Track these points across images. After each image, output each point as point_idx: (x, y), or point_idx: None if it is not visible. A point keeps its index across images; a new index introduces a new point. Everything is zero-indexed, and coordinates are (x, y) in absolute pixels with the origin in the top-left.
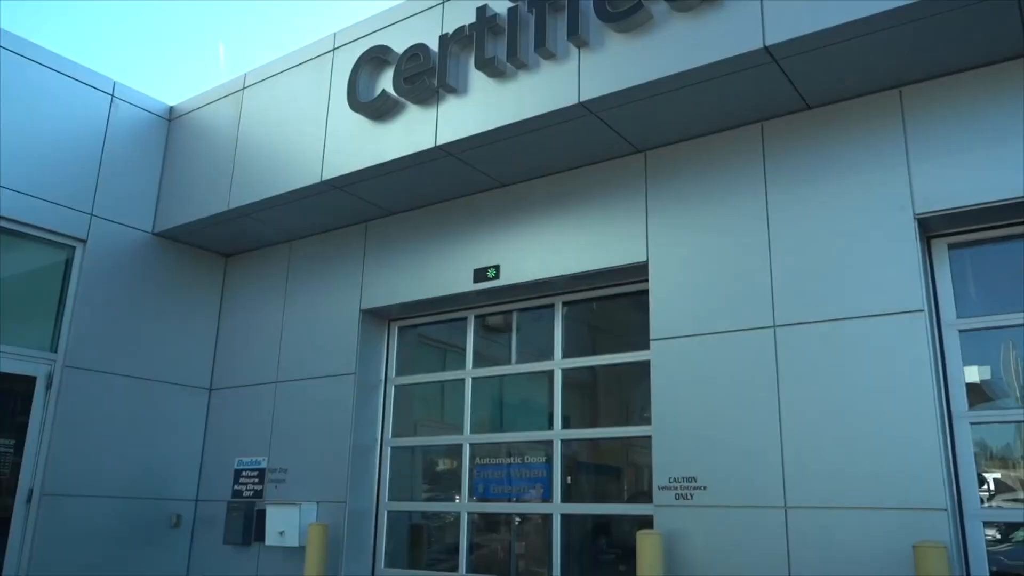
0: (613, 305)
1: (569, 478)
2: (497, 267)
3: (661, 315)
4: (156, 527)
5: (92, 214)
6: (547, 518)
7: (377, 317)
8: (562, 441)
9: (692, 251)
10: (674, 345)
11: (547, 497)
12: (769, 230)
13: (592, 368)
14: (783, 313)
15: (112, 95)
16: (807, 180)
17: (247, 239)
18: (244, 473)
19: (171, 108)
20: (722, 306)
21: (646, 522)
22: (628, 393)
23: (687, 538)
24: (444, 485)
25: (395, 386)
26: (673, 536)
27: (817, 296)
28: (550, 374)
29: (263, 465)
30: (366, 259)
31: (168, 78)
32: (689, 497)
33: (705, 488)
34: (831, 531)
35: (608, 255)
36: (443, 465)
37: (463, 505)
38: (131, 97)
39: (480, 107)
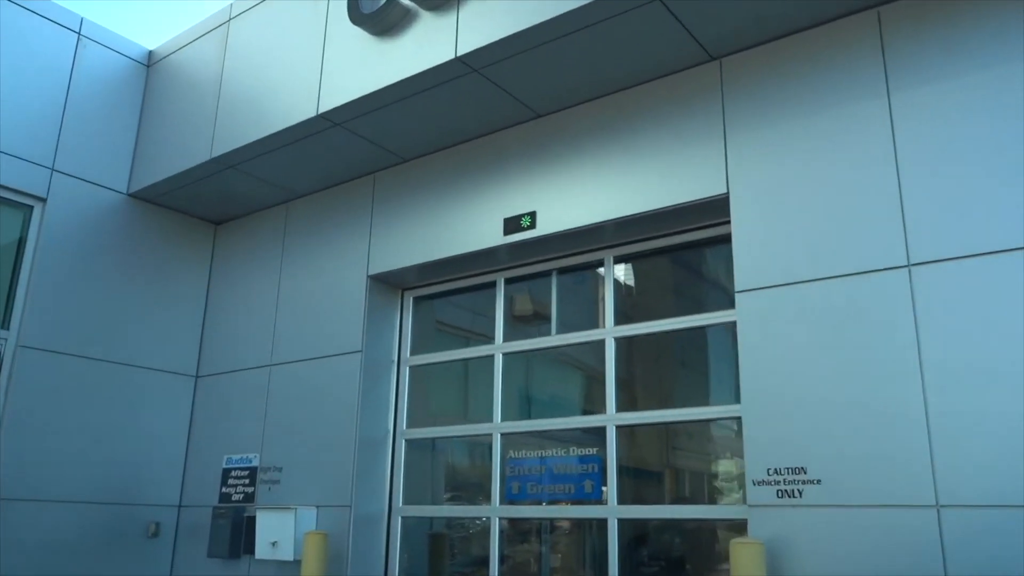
0: (680, 258)
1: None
2: (533, 214)
3: (749, 260)
4: (130, 538)
5: (53, 169)
6: (586, 525)
7: (388, 286)
8: (618, 428)
9: (788, 177)
10: (767, 297)
11: (597, 497)
12: (895, 142)
13: (651, 339)
14: (921, 247)
15: (79, 33)
16: (945, 76)
17: (238, 202)
18: (233, 473)
19: (150, 52)
20: (833, 243)
21: (709, 529)
22: (700, 368)
23: (795, 549)
24: (470, 485)
25: (410, 367)
26: (775, 546)
27: (970, 222)
28: (599, 346)
29: (254, 463)
30: (374, 217)
31: (155, 22)
32: (796, 494)
33: (819, 482)
34: (1006, 538)
35: (674, 191)
36: (469, 461)
37: (494, 509)
38: (103, 38)
39: (510, 5)
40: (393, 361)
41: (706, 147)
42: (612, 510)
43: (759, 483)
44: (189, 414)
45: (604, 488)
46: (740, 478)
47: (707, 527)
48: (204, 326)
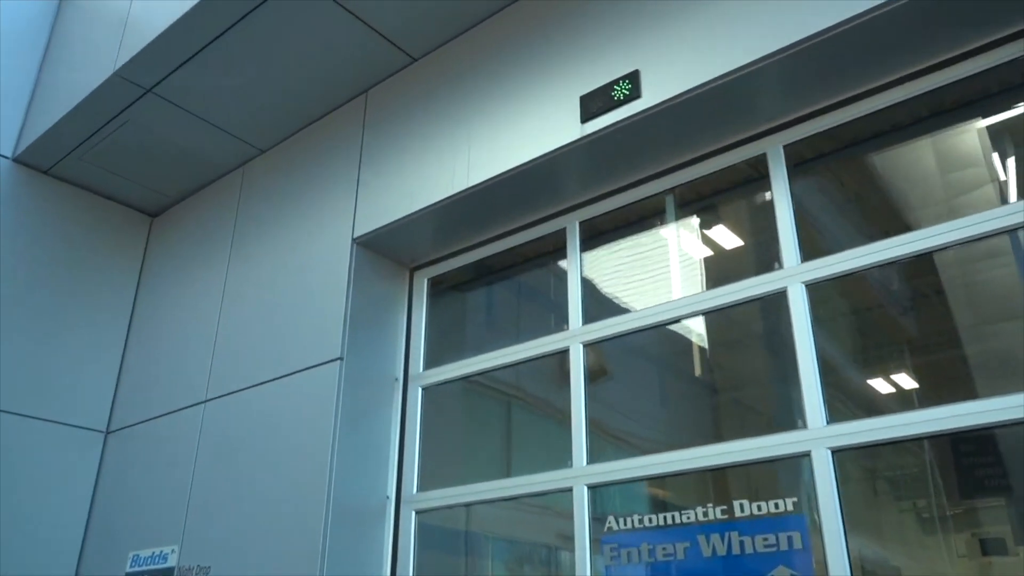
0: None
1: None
2: (633, 76)
3: None
4: None
5: None
6: None
7: (387, 260)
8: (835, 455)
9: None
10: None
11: None
12: None
13: (867, 284)
14: None
15: None
16: None
17: (174, 169)
18: None
19: None
20: None
21: None
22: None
23: None
24: None
25: (423, 388)
26: None
27: None
28: (778, 300)
29: (170, 563)
30: (364, 153)
31: None
32: None
33: None
34: None
35: None
36: (530, 540)
37: None
38: None
39: None
40: (396, 379)
41: None
42: None
43: None
44: (91, 490)
45: None
46: None
47: None
48: (124, 358)
